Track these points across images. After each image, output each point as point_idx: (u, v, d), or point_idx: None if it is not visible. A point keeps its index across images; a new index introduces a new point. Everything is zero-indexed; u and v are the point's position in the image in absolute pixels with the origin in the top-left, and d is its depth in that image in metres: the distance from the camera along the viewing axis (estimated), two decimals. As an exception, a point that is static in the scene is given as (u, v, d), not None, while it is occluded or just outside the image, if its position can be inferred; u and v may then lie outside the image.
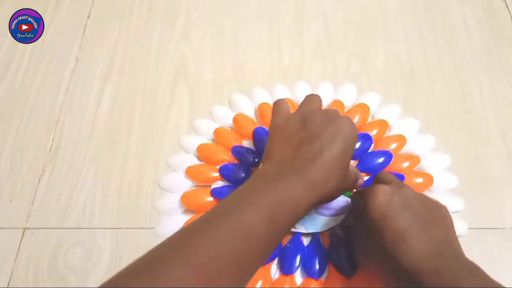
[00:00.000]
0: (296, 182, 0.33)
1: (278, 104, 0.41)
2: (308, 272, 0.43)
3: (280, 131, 0.38)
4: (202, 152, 0.51)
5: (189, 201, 0.47)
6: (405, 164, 0.49)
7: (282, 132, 0.38)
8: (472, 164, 0.50)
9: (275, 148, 0.37)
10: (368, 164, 0.48)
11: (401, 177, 0.47)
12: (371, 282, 0.42)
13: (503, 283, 0.38)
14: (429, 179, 0.48)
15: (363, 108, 0.53)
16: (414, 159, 0.49)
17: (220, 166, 0.49)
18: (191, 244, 0.29)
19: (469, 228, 0.46)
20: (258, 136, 0.51)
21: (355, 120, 0.52)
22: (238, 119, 0.53)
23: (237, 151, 0.50)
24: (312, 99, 0.41)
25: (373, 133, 0.50)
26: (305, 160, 0.34)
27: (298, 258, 0.44)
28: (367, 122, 0.52)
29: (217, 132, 0.52)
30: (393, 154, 0.49)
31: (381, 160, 0.48)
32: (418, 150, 0.50)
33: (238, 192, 0.34)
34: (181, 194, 0.48)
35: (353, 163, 0.49)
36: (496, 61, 0.58)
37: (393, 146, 0.50)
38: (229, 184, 0.48)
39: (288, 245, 0.45)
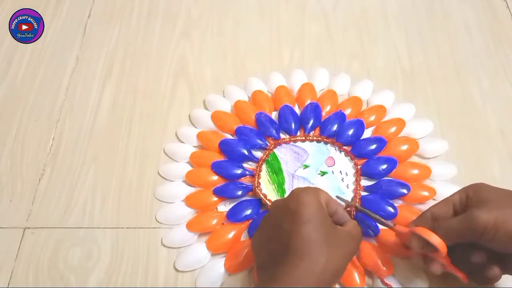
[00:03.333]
0: None
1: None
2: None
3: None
4: (202, 140, 0.51)
5: (193, 202, 0.47)
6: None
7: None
8: (472, 164, 0.50)
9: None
10: (362, 150, 0.49)
11: (407, 188, 0.47)
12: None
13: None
14: (427, 171, 0.48)
15: (356, 101, 0.54)
16: (412, 142, 0.50)
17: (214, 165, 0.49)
18: None
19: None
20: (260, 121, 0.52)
21: (347, 112, 0.52)
22: (239, 105, 0.53)
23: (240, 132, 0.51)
24: None
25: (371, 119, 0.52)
26: None
27: None
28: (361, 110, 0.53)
29: (215, 115, 0.52)
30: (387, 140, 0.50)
31: (373, 146, 0.49)
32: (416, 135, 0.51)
33: None
34: (180, 200, 0.48)
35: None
36: (496, 61, 0.58)
37: (392, 130, 0.51)
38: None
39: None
